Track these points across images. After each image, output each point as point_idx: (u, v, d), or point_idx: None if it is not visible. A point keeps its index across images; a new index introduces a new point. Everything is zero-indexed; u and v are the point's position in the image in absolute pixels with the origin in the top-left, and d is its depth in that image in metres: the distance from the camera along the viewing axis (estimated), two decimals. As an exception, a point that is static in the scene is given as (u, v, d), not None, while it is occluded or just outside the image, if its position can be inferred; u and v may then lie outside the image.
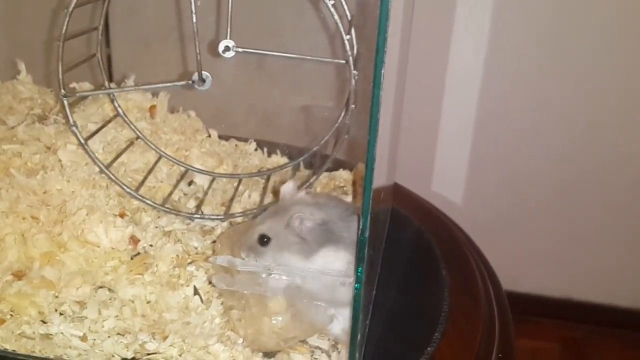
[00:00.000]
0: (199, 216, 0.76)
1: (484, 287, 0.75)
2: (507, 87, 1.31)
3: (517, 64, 1.29)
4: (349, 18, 0.73)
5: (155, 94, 0.90)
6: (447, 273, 0.74)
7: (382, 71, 0.46)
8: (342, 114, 0.78)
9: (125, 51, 1.05)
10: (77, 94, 0.75)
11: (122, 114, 0.81)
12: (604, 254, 1.42)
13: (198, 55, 0.68)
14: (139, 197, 0.75)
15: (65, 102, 0.72)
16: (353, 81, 0.69)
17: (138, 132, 0.82)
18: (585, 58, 1.27)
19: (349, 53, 0.68)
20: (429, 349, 0.62)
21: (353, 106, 0.73)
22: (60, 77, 0.71)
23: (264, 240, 0.62)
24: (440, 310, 0.67)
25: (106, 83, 0.80)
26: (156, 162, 0.81)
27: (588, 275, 1.46)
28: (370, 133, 0.48)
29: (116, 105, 0.81)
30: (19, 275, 0.64)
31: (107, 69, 0.81)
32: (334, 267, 0.59)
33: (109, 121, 0.81)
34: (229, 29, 0.67)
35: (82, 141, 0.73)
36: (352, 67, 0.68)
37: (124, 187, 0.74)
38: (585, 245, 1.43)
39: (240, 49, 0.67)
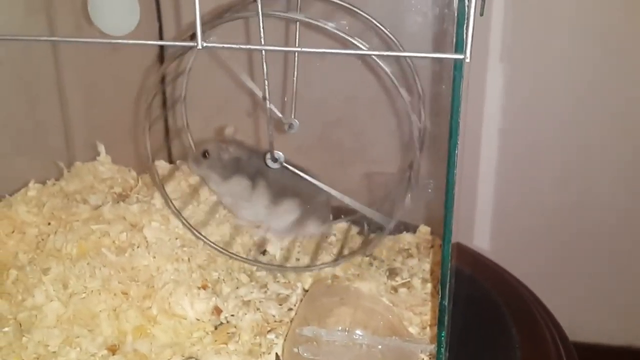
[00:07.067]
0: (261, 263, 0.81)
1: (554, 344, 0.76)
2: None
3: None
4: (421, 94, 0.77)
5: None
6: (516, 332, 0.76)
7: (459, 124, 0.48)
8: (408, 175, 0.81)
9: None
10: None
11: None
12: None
13: (270, 136, 0.73)
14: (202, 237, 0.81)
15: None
16: (415, 165, 0.73)
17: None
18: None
19: (415, 134, 0.71)
20: (504, 408, 0.63)
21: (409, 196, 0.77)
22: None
23: (205, 154, 0.83)
24: (512, 370, 0.69)
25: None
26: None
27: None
28: (448, 188, 0.50)
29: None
30: (113, 350, 0.68)
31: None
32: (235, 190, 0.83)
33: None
34: (293, 113, 0.73)
35: (158, 181, 0.83)
36: (417, 153, 0.73)
37: (188, 225, 0.82)
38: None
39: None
